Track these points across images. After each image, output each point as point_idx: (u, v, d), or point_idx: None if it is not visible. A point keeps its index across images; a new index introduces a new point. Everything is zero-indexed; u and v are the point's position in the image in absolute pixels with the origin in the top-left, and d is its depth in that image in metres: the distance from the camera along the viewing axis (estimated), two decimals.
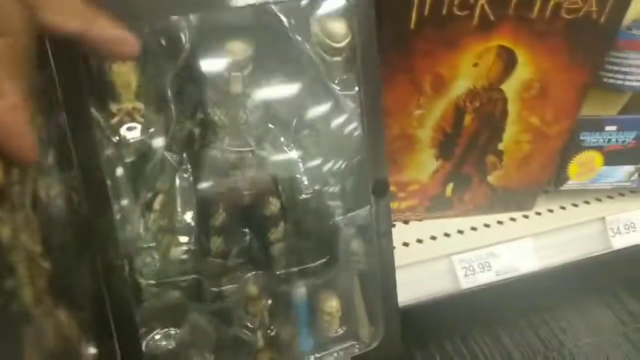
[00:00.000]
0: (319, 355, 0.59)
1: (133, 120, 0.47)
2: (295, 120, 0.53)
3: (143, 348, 0.50)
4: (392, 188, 0.71)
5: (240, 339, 0.56)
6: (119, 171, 0.48)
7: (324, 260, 0.57)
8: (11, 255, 0.31)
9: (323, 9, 0.49)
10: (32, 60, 0.29)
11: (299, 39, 0.50)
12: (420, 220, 0.75)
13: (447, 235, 0.74)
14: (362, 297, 0.59)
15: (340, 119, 0.54)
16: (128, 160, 0.48)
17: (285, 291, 0.56)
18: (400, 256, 0.69)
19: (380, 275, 0.57)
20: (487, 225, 0.75)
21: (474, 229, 0.75)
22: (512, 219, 0.77)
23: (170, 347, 0.53)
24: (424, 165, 0.69)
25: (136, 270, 0.50)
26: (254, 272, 0.54)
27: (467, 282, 0.70)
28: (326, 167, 0.55)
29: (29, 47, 0.29)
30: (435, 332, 0.81)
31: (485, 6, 0.57)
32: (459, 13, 0.57)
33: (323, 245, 0.57)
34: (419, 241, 0.72)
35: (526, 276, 0.72)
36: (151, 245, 0.51)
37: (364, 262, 0.58)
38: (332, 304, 0.58)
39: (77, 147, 0.43)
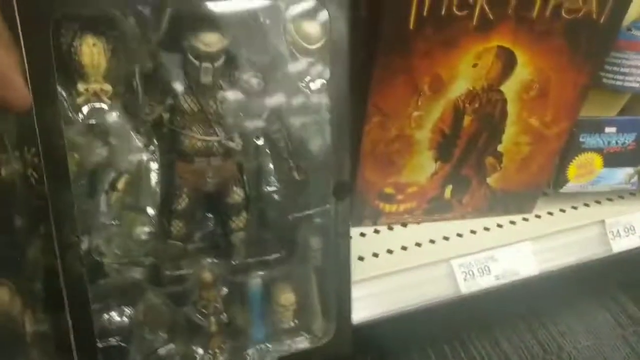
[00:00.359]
0: (270, 345, 0.60)
1: (99, 101, 0.47)
2: (265, 114, 0.53)
3: (96, 323, 0.51)
4: (390, 190, 0.70)
5: (194, 323, 0.57)
6: (84, 150, 0.49)
7: (281, 253, 0.58)
8: None
9: (300, 10, 0.50)
10: None
11: (274, 36, 0.50)
12: (418, 223, 0.75)
13: (446, 238, 0.73)
14: (318, 292, 0.60)
15: (308, 118, 0.54)
16: (93, 139, 0.49)
17: (241, 280, 0.58)
18: (398, 260, 0.69)
19: (336, 274, 0.58)
20: (486, 229, 0.75)
21: (473, 232, 0.74)
22: (512, 222, 0.76)
23: (124, 324, 0.54)
24: (423, 167, 0.69)
25: (94, 247, 0.51)
26: (210, 260, 0.56)
27: (466, 287, 0.69)
28: (292, 162, 0.56)
29: None
30: (434, 336, 0.80)
31: (485, 6, 0.56)
32: (458, 13, 0.56)
33: (282, 239, 0.58)
34: (418, 245, 0.72)
35: (526, 280, 0.72)
36: (113, 222, 0.52)
37: (321, 258, 0.59)
38: (288, 297, 0.59)
39: (40, 124, 0.43)
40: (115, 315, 0.54)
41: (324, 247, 0.58)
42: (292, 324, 0.61)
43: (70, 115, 0.47)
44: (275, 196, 0.57)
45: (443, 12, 0.56)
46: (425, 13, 0.56)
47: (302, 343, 0.60)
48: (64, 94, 0.46)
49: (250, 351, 0.60)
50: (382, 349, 0.77)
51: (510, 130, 0.67)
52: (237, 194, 0.54)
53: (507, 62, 0.61)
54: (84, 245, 0.49)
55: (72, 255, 0.48)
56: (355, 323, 0.64)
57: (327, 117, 0.52)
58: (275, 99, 0.53)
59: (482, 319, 0.80)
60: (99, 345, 0.52)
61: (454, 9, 0.56)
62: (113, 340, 0.54)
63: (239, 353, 0.59)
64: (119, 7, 0.45)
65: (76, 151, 0.48)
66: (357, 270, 0.67)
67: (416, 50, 0.58)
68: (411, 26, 0.56)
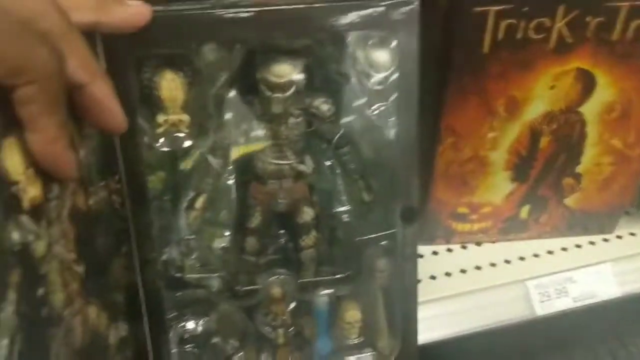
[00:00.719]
0: (336, 359, 0.62)
1: (178, 131, 0.50)
2: (336, 137, 0.55)
3: (171, 332, 0.56)
4: (464, 209, 0.70)
5: (262, 334, 0.60)
6: (165, 176, 0.53)
7: (348, 272, 0.59)
8: (44, 266, 0.35)
9: (369, 39, 0.50)
10: (64, 96, 0.34)
11: (344, 64, 0.52)
12: (493, 242, 0.74)
13: (522, 258, 0.72)
14: (385, 311, 0.61)
15: (377, 142, 0.55)
16: (175, 166, 0.53)
17: (308, 297, 0.60)
18: (472, 280, 0.69)
19: (402, 295, 0.59)
20: (564, 249, 0.74)
21: (550, 252, 0.73)
22: (591, 243, 0.74)
23: (197, 332, 0.58)
24: (498, 187, 0.68)
25: (172, 260, 0.55)
26: (280, 275, 0.58)
27: (542, 309, 0.68)
28: (362, 183, 0.57)
29: (60, 87, 0.33)
30: (509, 358, 0.79)
31: (563, 29, 0.56)
32: (534, 37, 0.56)
33: (350, 258, 0.59)
34: (492, 265, 0.71)
35: (605, 303, 0.70)
36: (191, 237, 0.55)
37: (388, 279, 0.59)
38: (353, 314, 0.60)
39: (123, 153, 0.48)
40: (189, 324, 0.57)
41: (391, 269, 0.59)
42: (357, 340, 0.62)
43: (151, 144, 0.50)
44: (345, 216, 0.59)
45: (519, 36, 0.56)
46: (500, 37, 0.56)
47: (366, 359, 0.62)
48: (145, 125, 0.49)
49: None
50: None
51: (590, 151, 0.66)
52: (307, 214, 0.56)
53: (587, 84, 0.60)
54: (164, 257, 0.54)
55: (151, 270, 0.52)
56: (428, 342, 0.65)
57: (396, 143, 0.53)
58: (345, 124, 0.55)
59: (558, 341, 0.78)
60: (174, 351, 0.56)
61: (530, 32, 0.56)
62: (187, 347, 0.58)
63: None
64: (195, 44, 0.48)
65: (159, 170, 0.52)
66: (429, 290, 0.68)
67: (490, 73, 0.59)
68: (485, 50, 0.57)
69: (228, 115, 0.52)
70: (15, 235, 0.31)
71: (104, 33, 0.41)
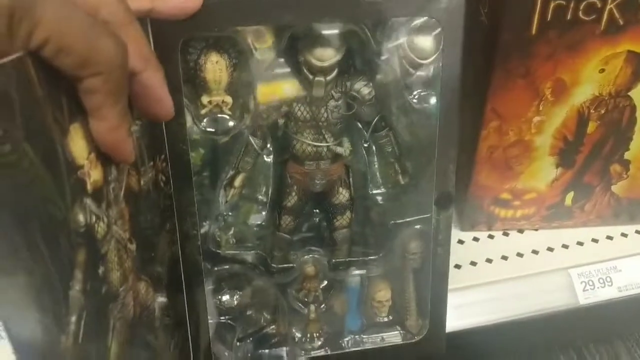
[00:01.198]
0: (365, 336, 0.66)
1: (221, 112, 0.54)
2: (374, 121, 0.58)
3: (209, 303, 0.60)
4: (506, 196, 0.72)
5: (294, 308, 0.64)
6: (205, 153, 0.57)
7: (381, 253, 0.63)
8: (104, 246, 0.38)
9: (414, 26, 0.52)
10: (126, 84, 0.36)
11: (387, 50, 0.54)
12: (536, 229, 0.76)
13: (565, 246, 0.74)
14: (415, 292, 0.64)
15: (416, 127, 0.58)
16: (215, 143, 0.57)
17: (341, 276, 0.64)
18: (513, 267, 0.71)
19: (433, 279, 0.62)
20: (609, 238, 0.75)
21: (595, 240, 0.75)
22: (638, 232, 0.76)
23: (232, 304, 0.62)
24: (542, 173, 0.70)
25: (211, 235, 0.60)
26: (314, 254, 0.62)
27: (585, 298, 0.70)
28: (398, 166, 0.60)
29: (124, 77, 0.35)
30: (549, 347, 0.81)
31: (614, 10, 0.57)
32: (584, 18, 0.57)
33: (383, 240, 0.63)
34: (535, 252, 0.73)
35: None
36: (229, 214, 0.60)
37: (419, 262, 0.63)
38: (383, 294, 0.65)
39: (168, 133, 0.50)
40: (225, 297, 0.62)
41: (423, 252, 0.62)
42: (386, 318, 0.66)
43: (195, 124, 0.54)
44: (380, 199, 0.62)
45: (568, 17, 0.57)
46: (548, 18, 0.57)
47: (395, 337, 0.66)
48: (189, 105, 0.52)
49: (345, 340, 0.66)
50: (494, 356, 0.79)
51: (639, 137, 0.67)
52: (342, 195, 0.60)
53: (637, 67, 0.61)
54: (203, 230, 0.58)
55: (191, 246, 0.56)
56: (467, 328, 0.67)
57: (435, 128, 0.55)
58: (385, 108, 0.57)
59: (602, 332, 0.80)
60: (210, 322, 0.60)
61: (580, 13, 0.57)
62: (222, 319, 0.62)
63: (335, 340, 0.66)
64: (242, 27, 0.50)
65: (199, 147, 0.55)
66: (470, 276, 0.70)
67: (538, 55, 0.60)
68: (533, 31, 0.58)
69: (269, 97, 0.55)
70: (81, 218, 0.34)
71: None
